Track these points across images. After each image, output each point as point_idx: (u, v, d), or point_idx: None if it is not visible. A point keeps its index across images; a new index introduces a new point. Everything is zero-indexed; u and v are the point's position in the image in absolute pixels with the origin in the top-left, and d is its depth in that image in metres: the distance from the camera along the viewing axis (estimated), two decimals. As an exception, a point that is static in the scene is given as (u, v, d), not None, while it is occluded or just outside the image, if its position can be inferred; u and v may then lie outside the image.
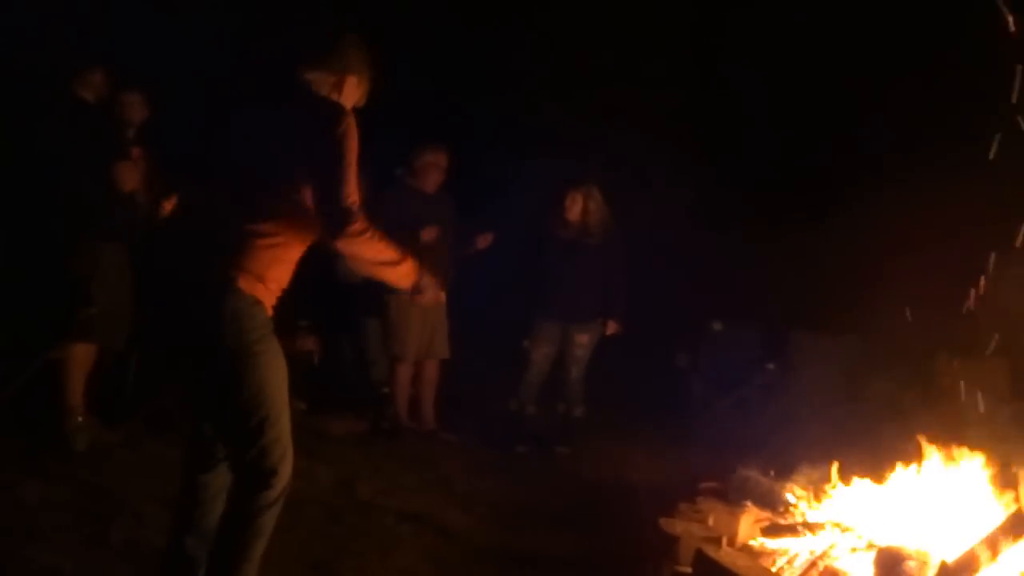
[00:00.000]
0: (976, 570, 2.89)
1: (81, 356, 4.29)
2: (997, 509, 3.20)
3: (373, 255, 2.50)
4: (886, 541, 3.09)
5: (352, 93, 2.59)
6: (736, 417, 6.22)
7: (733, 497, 3.73)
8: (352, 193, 2.37)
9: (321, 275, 5.05)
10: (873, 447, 3.83)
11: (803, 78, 7.33)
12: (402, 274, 2.59)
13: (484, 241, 5.61)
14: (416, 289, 2.63)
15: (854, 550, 3.20)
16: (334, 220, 2.37)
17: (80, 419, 4.25)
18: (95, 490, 3.68)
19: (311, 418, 5.02)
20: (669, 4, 8.28)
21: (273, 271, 2.43)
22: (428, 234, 5.30)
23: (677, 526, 3.49)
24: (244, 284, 2.36)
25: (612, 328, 5.62)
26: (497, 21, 8.30)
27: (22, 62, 4.67)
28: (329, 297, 5.54)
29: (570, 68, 8.37)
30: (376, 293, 5.52)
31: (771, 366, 6.59)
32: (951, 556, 2.93)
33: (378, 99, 2.71)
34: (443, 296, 5.50)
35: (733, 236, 7.21)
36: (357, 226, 2.38)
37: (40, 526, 3.25)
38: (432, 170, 5.47)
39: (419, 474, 4.64)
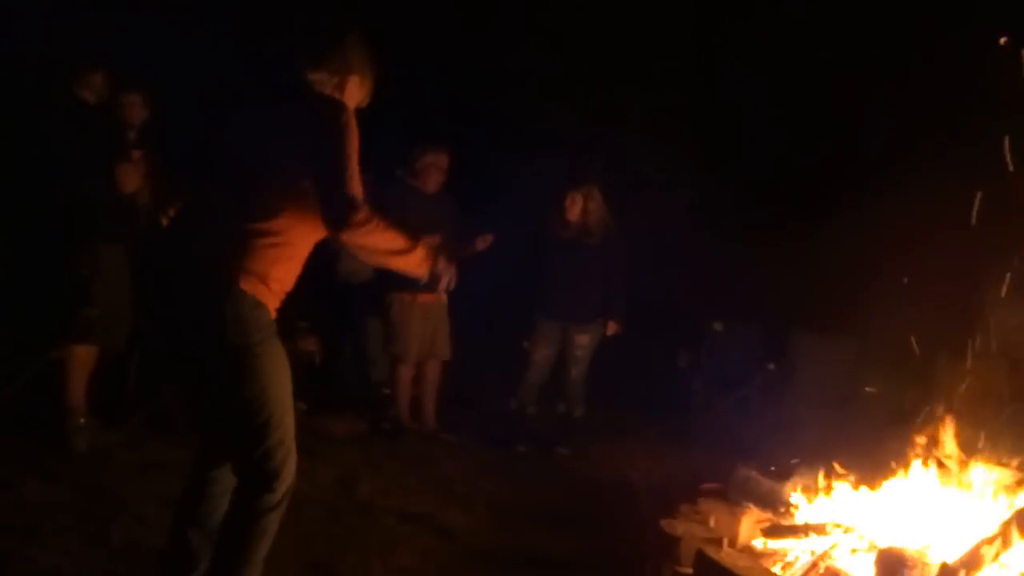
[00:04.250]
0: (977, 571, 2.89)
1: (82, 357, 4.29)
2: (997, 510, 3.20)
3: (383, 244, 2.44)
4: (887, 542, 3.09)
5: (355, 93, 2.57)
6: (737, 417, 6.22)
7: (734, 498, 3.73)
8: (354, 185, 2.33)
9: (322, 275, 5.06)
10: (873, 447, 3.83)
11: (802, 79, 7.33)
12: (416, 262, 2.52)
13: (483, 243, 5.57)
14: (433, 277, 2.54)
15: (855, 551, 3.20)
16: (336, 212, 2.32)
17: (81, 420, 4.26)
18: (95, 490, 3.68)
19: (312, 418, 5.01)
20: (669, 5, 8.29)
21: (276, 272, 2.41)
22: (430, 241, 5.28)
23: (678, 527, 3.49)
24: (246, 286, 2.35)
25: (613, 329, 5.63)
26: (498, 21, 8.31)
27: (23, 63, 4.67)
28: (330, 297, 5.54)
29: (570, 69, 8.38)
30: (377, 293, 5.53)
31: (772, 366, 6.59)
32: (952, 557, 2.93)
33: (380, 98, 2.69)
34: (444, 296, 5.58)
35: (733, 236, 7.21)
36: (361, 216, 2.33)
37: (40, 526, 3.25)
38: (432, 171, 5.42)
39: (420, 474, 4.63)
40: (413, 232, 2.53)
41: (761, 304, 6.80)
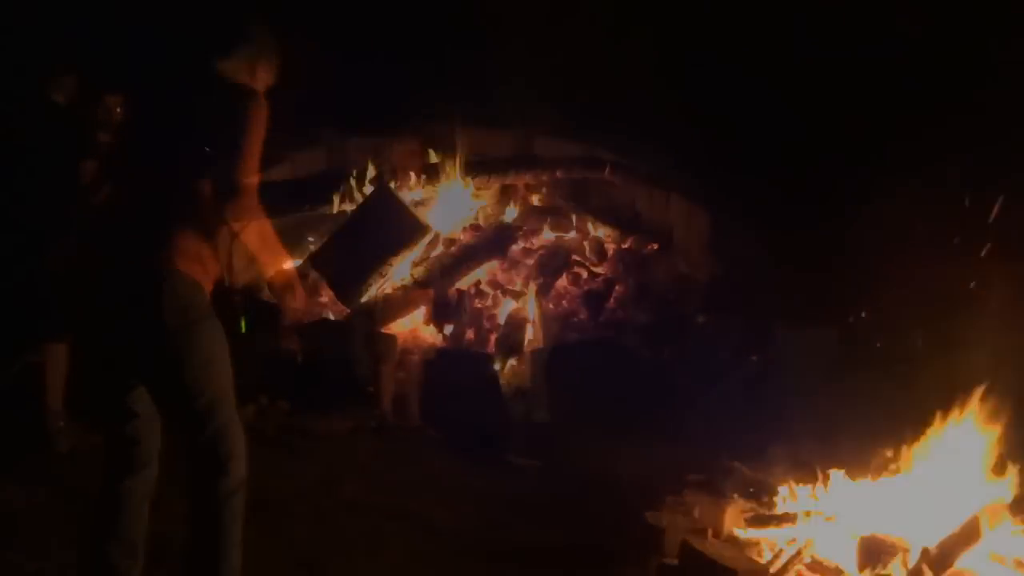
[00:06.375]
0: (957, 557, 2.92)
1: (60, 358, 4.26)
2: (978, 496, 3.23)
3: (261, 241, 2.57)
4: (869, 530, 3.11)
5: (264, 76, 2.74)
6: (720, 409, 6.25)
7: (718, 489, 3.75)
8: (249, 170, 2.46)
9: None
10: (855, 437, 3.85)
11: (791, 74, 7.37)
12: (285, 273, 2.65)
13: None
14: (289, 296, 2.67)
15: (838, 539, 3.22)
16: (226, 184, 2.44)
17: (61, 423, 4.22)
18: (76, 492, 3.64)
19: (295, 417, 4.99)
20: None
21: (207, 251, 2.49)
22: None
23: (663, 518, 3.50)
24: (183, 266, 2.42)
25: None
26: (487, 18, 8.29)
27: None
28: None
29: (558, 64, 8.37)
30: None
31: (754, 359, 6.62)
32: (933, 543, 2.96)
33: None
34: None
35: (717, 230, 7.24)
36: (247, 200, 2.47)
37: (21, 529, 3.23)
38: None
39: (405, 472, 4.62)
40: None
41: (744, 297, 6.84)
